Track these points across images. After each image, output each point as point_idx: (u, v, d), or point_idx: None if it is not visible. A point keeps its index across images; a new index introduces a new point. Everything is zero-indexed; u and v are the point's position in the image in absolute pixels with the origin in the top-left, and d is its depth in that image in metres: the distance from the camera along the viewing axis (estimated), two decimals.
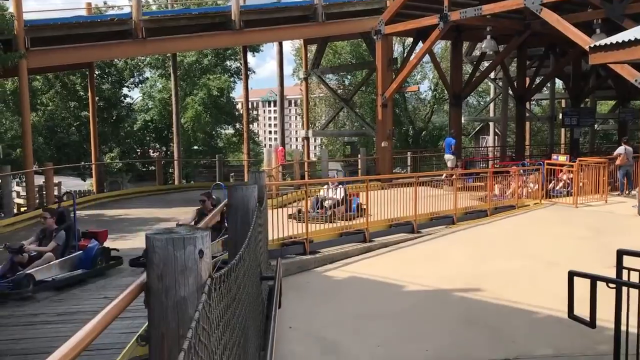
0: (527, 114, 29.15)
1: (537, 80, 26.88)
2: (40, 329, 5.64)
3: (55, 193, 18.90)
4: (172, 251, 2.01)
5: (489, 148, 32.15)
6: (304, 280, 8.60)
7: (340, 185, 12.42)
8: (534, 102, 38.13)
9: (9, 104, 31.78)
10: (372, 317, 6.89)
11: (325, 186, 12.75)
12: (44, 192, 16.67)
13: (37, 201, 15.96)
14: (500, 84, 29.66)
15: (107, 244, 9.21)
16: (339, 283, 8.55)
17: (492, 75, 29.39)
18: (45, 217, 8.21)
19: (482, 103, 42.55)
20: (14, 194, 15.78)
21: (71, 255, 8.04)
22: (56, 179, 19.23)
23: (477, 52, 27.65)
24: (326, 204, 11.96)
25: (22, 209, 15.87)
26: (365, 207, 11.30)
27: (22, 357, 4.88)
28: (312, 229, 9.97)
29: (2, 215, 13.27)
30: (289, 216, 10.25)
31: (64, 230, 8.21)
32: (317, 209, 12.00)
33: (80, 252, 8.20)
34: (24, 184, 18.03)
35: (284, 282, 7.07)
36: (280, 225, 9.09)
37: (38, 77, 31.59)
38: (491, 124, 34.22)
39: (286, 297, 6.67)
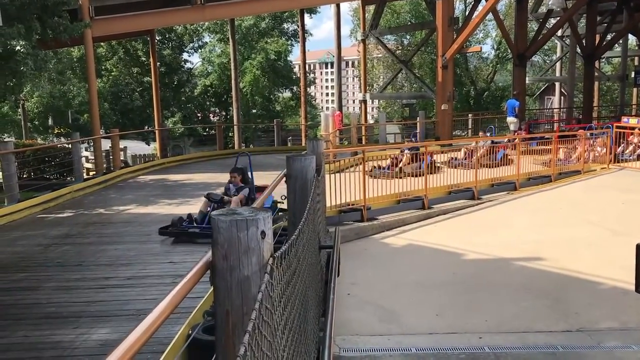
0: (596, 73, 27.78)
1: (608, 37, 25.50)
2: (111, 292, 5.94)
3: (122, 158, 19.63)
4: (236, 232, 2.07)
5: (554, 109, 30.98)
6: (362, 247, 8.66)
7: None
8: (603, 60, 36.25)
9: (76, 70, 32.94)
10: (431, 286, 6.90)
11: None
12: (111, 157, 17.32)
13: (105, 165, 16.61)
14: (568, 41, 28.30)
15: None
16: (397, 250, 8.56)
17: (559, 33, 28.09)
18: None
19: (547, 62, 40.80)
20: (83, 159, 16.44)
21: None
22: (122, 144, 19.94)
23: (543, 9, 26.44)
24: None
25: (91, 173, 16.57)
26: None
27: (95, 319, 5.18)
28: (377, 194, 9.99)
29: (73, 180, 13.88)
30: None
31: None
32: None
33: None
34: (91, 149, 18.77)
35: (342, 248, 7.14)
36: (337, 191, 9.14)
37: (102, 43, 32.48)
38: (557, 84, 32.86)
39: (344, 264, 6.74)
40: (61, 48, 25.00)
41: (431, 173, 11.51)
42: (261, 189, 9.25)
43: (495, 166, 12.81)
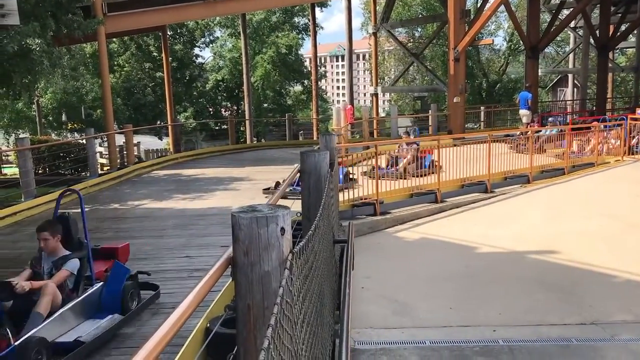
0: (610, 64, 27.53)
1: (622, 28, 25.22)
2: None
3: (135, 153, 19.79)
4: (256, 229, 2.13)
5: (567, 102, 30.76)
6: (375, 241, 8.71)
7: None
8: (617, 51, 35.90)
9: (89, 66, 33.16)
10: (444, 279, 6.94)
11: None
12: (125, 152, 17.46)
13: (119, 161, 16.76)
14: (581, 32, 28.07)
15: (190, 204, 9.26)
16: (410, 244, 8.60)
17: (572, 24, 27.82)
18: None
19: (560, 53, 40.48)
20: (97, 155, 16.58)
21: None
22: (135, 139, 20.08)
23: (556, 0, 26.19)
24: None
25: (106, 168, 16.72)
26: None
27: None
28: (383, 189, 10.00)
29: (88, 175, 14.03)
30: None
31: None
32: (390, 166, 11.72)
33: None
34: (105, 145, 18.94)
35: (355, 242, 7.19)
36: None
37: (114, 39, 32.66)
38: (570, 75, 32.60)
39: (357, 258, 6.79)
40: (74, 44, 25.20)
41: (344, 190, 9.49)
42: (109, 253, 5.78)
43: (422, 175, 10.93)
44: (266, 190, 7.15)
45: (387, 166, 11.79)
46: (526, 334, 5.35)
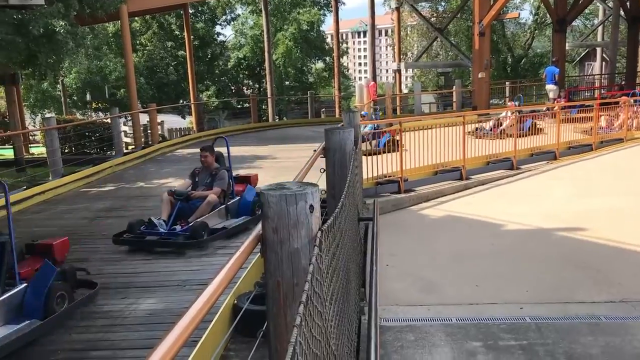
0: None
1: None
2: (156, 263, 6.10)
3: (159, 132, 19.93)
4: (285, 206, 2.12)
5: (595, 76, 30.05)
6: (400, 219, 8.68)
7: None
8: None
9: (112, 46, 33.34)
10: (470, 257, 6.90)
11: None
12: (149, 131, 17.59)
13: (143, 140, 16.89)
14: (611, 4, 27.30)
15: None
16: (435, 221, 8.56)
17: None
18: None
19: (588, 26, 39.44)
20: (122, 134, 16.72)
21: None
22: (158, 118, 20.19)
23: None
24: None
25: (130, 148, 16.89)
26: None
27: (143, 289, 5.35)
28: (406, 167, 9.92)
29: (114, 154, 14.19)
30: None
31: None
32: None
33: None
34: (129, 124, 19.09)
35: (379, 219, 7.16)
36: (374, 163, 9.14)
37: (136, 18, 32.71)
38: (598, 49, 31.77)
39: (382, 236, 6.76)
40: (97, 24, 25.30)
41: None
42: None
43: None
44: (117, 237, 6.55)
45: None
46: (554, 311, 5.30)
